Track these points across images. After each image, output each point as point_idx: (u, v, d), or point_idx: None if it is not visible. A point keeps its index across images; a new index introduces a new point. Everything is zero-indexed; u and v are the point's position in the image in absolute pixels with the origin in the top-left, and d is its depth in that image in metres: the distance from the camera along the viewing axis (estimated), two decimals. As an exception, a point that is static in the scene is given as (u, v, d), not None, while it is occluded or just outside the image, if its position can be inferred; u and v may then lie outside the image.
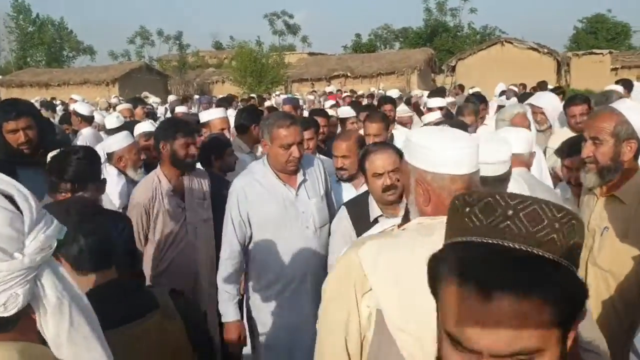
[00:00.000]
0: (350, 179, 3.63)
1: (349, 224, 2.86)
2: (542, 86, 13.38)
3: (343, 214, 2.93)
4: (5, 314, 0.96)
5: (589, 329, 1.46)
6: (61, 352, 1.03)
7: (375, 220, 2.71)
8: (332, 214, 3.20)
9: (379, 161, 2.79)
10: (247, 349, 3.23)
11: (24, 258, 0.96)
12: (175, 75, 37.67)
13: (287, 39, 61.57)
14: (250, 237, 3.10)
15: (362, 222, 2.77)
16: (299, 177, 3.12)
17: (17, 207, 0.98)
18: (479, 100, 6.62)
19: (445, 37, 47.01)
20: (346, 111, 6.50)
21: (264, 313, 3.10)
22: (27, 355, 0.99)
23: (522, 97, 7.15)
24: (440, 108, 6.10)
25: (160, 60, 47.17)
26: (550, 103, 4.86)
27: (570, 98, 4.88)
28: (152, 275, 3.22)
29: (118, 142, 4.13)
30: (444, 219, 1.40)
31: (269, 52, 32.62)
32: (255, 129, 4.65)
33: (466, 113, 5.52)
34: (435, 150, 1.55)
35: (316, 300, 2.79)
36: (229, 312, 3.07)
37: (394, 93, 9.85)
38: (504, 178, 2.21)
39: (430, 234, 1.46)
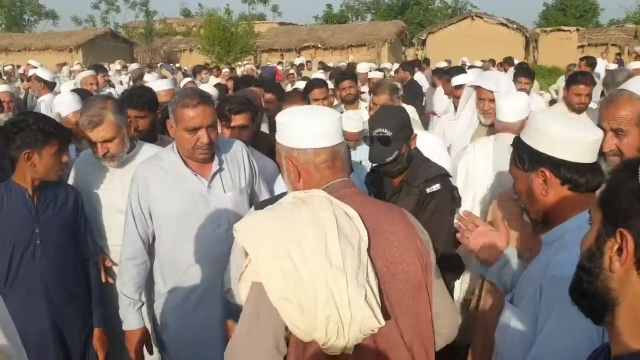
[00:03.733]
0: None
1: None
2: (509, 62, 13.35)
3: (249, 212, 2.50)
4: None
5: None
6: None
7: None
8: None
9: None
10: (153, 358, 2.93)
11: None
12: (142, 43, 36.78)
13: (257, 8, 60.60)
14: (154, 234, 2.69)
15: None
16: (214, 166, 2.63)
17: None
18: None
19: (417, 10, 46.82)
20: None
21: (169, 320, 2.71)
22: None
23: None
24: (458, 87, 5.42)
25: (126, 27, 45.92)
26: (506, 86, 3.80)
27: (575, 77, 4.43)
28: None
29: (62, 111, 3.97)
30: (316, 191, 1.58)
31: (239, 21, 31.95)
32: None
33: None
34: (296, 126, 1.62)
35: (226, 308, 2.51)
36: (129, 319, 2.65)
37: (364, 67, 9.67)
38: None
39: (308, 204, 1.53)
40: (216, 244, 2.57)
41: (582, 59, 8.38)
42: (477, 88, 3.80)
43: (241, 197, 2.69)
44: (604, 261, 0.98)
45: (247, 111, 3.27)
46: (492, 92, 3.63)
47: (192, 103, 2.50)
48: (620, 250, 0.96)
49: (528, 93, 5.60)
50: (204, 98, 2.57)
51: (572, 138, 1.63)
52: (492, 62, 15.13)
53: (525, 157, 1.71)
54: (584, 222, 1.59)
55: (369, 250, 1.52)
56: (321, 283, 1.42)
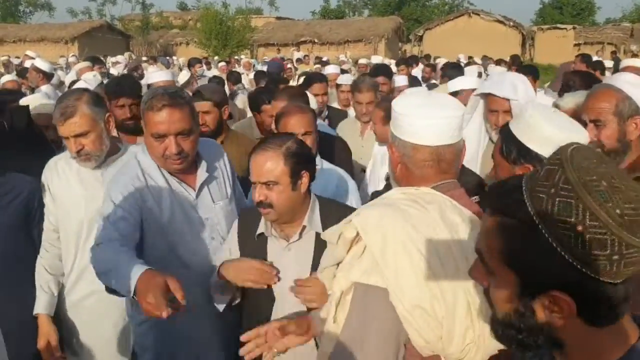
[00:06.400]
0: None
1: (234, 235, 2.21)
2: (515, 61, 12.99)
3: (235, 223, 2.27)
4: None
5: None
6: None
7: (262, 237, 2.13)
8: None
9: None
10: None
11: None
12: (138, 35, 36.60)
13: (254, 2, 60.45)
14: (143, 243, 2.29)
15: (246, 235, 2.17)
16: (200, 174, 2.31)
17: None
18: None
19: (414, 6, 46.81)
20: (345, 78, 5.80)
21: (160, 340, 2.36)
22: None
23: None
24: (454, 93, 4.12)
25: (122, 20, 45.65)
26: (524, 92, 2.80)
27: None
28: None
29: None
30: (427, 189, 1.41)
31: (235, 15, 31.91)
32: None
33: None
34: (404, 115, 1.46)
35: (220, 327, 2.33)
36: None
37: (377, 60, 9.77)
38: None
39: (429, 202, 1.36)
40: (212, 257, 2.32)
41: (577, 56, 8.39)
42: (487, 95, 2.87)
43: (229, 204, 2.44)
44: (537, 316, 0.91)
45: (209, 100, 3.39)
46: (508, 100, 2.74)
47: (157, 105, 2.10)
48: (554, 304, 0.88)
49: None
50: (174, 99, 2.14)
51: (565, 140, 1.60)
52: (503, 60, 14.40)
53: (513, 150, 1.72)
54: None
55: None
56: (461, 290, 1.24)
